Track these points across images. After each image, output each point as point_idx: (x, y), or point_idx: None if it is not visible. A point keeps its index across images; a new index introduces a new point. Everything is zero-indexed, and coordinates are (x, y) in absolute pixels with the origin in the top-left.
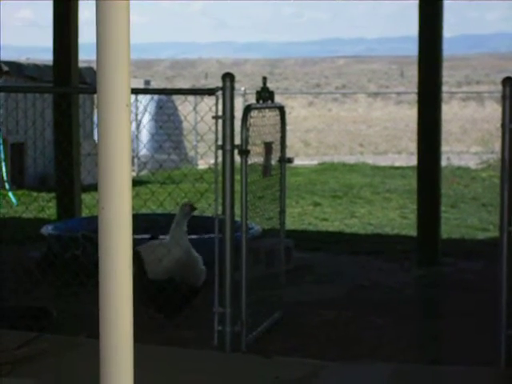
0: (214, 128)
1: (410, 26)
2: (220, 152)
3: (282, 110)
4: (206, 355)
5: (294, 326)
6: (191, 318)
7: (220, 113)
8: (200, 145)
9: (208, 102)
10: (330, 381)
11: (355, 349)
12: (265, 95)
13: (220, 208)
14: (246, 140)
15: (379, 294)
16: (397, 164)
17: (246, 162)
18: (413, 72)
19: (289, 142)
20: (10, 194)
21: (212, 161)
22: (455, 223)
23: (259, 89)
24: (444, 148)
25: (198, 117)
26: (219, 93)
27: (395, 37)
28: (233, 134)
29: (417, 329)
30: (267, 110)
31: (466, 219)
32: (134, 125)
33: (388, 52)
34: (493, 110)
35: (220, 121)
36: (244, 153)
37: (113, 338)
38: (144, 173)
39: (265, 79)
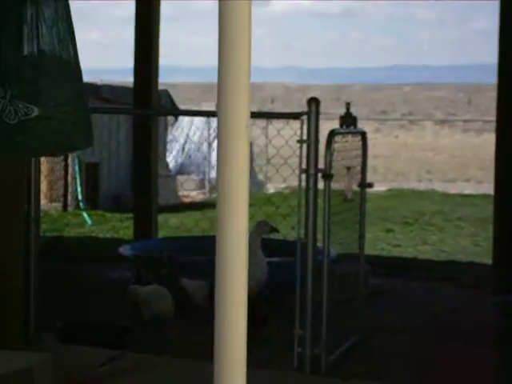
0: (297, 152)
1: (474, 52)
2: (303, 176)
3: (364, 135)
4: (287, 376)
5: (371, 351)
6: (271, 340)
7: (304, 137)
8: (269, 168)
9: (276, 125)
10: None
11: (431, 376)
12: (348, 120)
13: (302, 231)
14: (329, 164)
15: (455, 322)
16: (466, 192)
17: (330, 186)
18: (479, 100)
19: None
20: (84, 214)
21: (281, 185)
22: None
23: (343, 114)
24: None
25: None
26: (304, 117)
27: (460, 64)
28: (317, 158)
29: (495, 357)
30: (350, 136)
31: None
32: (205, 146)
33: (453, 79)
34: None
35: (304, 145)
36: (328, 177)
37: (226, 360)
38: (215, 195)
39: (348, 105)
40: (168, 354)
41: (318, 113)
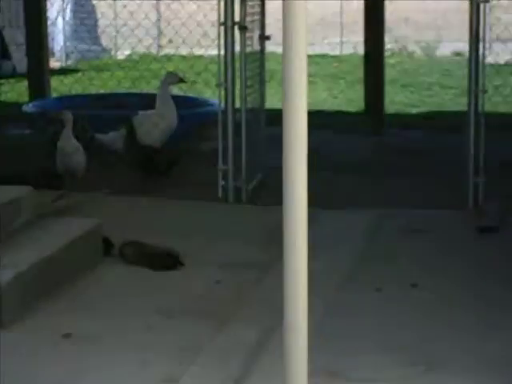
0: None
1: None
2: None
3: None
4: (214, 206)
5: (276, 185)
6: (190, 179)
7: None
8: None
9: None
10: (328, 224)
11: (338, 200)
12: None
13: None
14: (244, 17)
15: (341, 159)
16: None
17: (245, 37)
18: None
19: None
20: None
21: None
22: (386, 100)
23: None
24: (352, 37)
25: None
26: None
27: None
28: (233, 12)
29: (386, 186)
30: None
31: (394, 97)
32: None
33: None
34: None
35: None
36: (243, 28)
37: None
38: (70, 62)
39: None
40: (104, 190)
41: None
